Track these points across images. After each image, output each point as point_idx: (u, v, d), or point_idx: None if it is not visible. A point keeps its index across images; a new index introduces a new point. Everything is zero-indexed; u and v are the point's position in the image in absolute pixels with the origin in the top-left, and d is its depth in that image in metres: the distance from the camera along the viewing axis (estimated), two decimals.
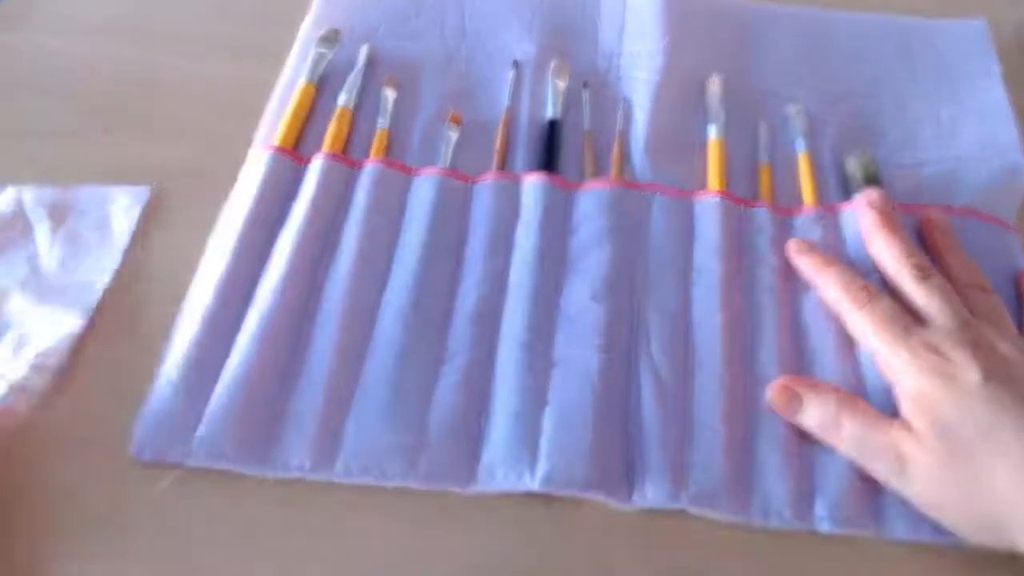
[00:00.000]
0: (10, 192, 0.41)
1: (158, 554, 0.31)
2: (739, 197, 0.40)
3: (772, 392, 0.34)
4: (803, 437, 0.33)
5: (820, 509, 0.31)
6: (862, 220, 0.38)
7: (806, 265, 0.37)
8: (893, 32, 0.44)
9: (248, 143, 0.42)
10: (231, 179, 0.40)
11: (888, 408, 0.32)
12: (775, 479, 0.32)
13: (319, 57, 0.45)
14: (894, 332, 0.32)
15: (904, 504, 0.31)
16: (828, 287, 0.35)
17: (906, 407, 0.31)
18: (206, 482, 0.32)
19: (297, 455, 0.32)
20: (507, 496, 0.32)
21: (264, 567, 0.31)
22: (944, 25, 0.48)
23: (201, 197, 0.40)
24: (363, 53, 0.46)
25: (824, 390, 0.33)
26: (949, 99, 0.44)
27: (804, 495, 0.32)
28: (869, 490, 0.32)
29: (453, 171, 0.41)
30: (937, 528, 0.31)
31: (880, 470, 0.31)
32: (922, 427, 0.30)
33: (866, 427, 0.31)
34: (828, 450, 0.32)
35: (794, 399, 0.33)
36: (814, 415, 0.32)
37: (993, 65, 0.45)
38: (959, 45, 0.46)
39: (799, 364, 0.35)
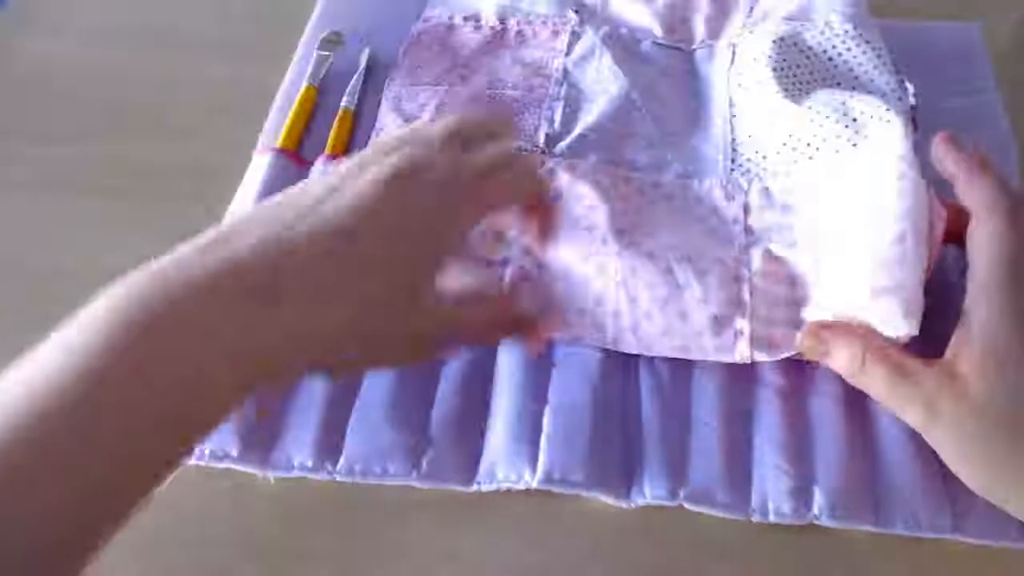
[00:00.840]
0: None
1: (153, 552, 0.31)
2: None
3: (801, 336, 0.33)
4: (801, 432, 0.33)
5: (819, 504, 0.31)
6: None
7: (957, 162, 0.33)
8: (889, 35, 0.45)
9: (251, 145, 0.42)
10: (235, 181, 0.41)
11: None
12: (773, 474, 0.32)
13: (321, 59, 0.45)
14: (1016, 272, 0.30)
15: (902, 498, 0.31)
16: (982, 189, 0.32)
17: (972, 351, 0.29)
18: (207, 480, 0.32)
19: (299, 454, 0.33)
20: (508, 494, 0.32)
21: (262, 566, 0.31)
22: (939, 28, 0.48)
23: (204, 198, 0.40)
24: (364, 55, 0.46)
25: (851, 334, 0.32)
26: (943, 101, 0.45)
27: (803, 490, 0.31)
28: (868, 484, 0.32)
29: None
30: (935, 522, 0.31)
31: (910, 416, 0.30)
32: (981, 373, 0.29)
33: (896, 372, 0.30)
34: (826, 444, 0.32)
35: (820, 343, 0.33)
36: (841, 359, 0.32)
37: (987, 68, 0.46)
38: (954, 48, 0.47)
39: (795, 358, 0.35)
